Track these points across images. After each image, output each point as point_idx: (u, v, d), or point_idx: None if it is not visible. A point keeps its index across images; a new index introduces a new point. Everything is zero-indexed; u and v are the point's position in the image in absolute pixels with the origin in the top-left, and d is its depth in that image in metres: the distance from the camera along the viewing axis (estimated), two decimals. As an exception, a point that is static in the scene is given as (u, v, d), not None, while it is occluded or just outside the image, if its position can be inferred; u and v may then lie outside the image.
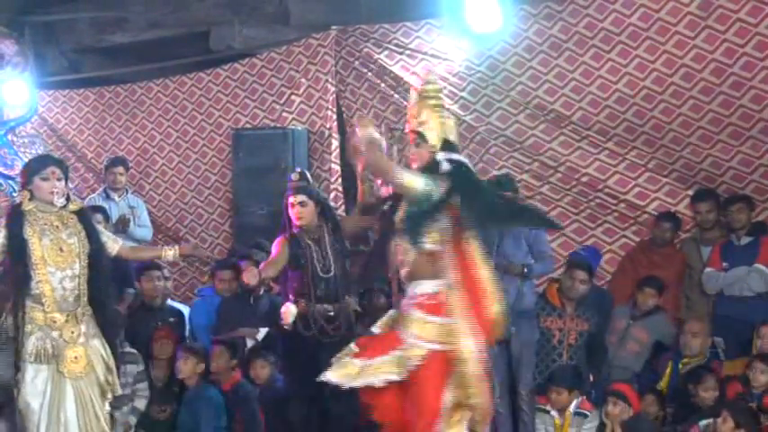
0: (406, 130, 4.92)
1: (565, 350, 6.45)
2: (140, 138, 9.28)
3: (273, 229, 6.40)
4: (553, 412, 6.19)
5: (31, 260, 5.06)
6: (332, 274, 5.93)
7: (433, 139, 4.79)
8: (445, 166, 4.75)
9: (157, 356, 6.80)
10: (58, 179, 5.17)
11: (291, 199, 5.98)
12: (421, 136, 4.79)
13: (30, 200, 5.17)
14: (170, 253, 5.50)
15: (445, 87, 7.87)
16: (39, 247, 5.07)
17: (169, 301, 7.53)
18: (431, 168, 4.76)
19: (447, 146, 4.82)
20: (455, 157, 4.82)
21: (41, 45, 9.56)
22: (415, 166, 4.85)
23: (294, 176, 6.10)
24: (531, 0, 7.57)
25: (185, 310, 7.55)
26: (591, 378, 6.49)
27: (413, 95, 4.91)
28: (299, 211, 5.95)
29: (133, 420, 6.59)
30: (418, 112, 4.82)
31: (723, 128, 7.05)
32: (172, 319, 7.25)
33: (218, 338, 6.69)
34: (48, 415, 5.06)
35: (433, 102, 4.83)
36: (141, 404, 6.66)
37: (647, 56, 7.17)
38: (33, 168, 5.25)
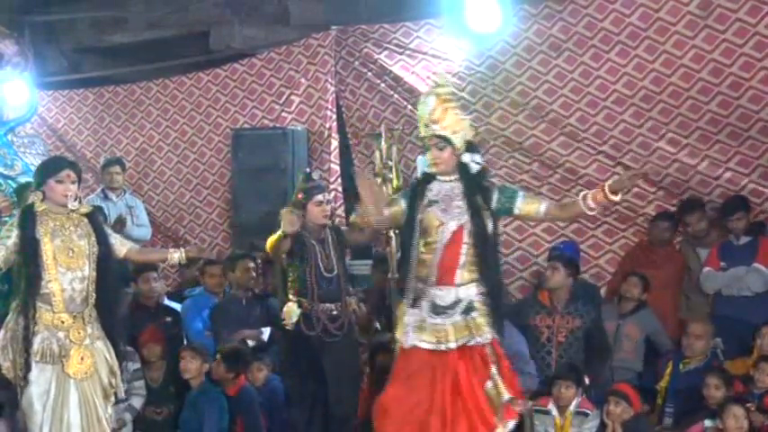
0: (424, 135, 4.88)
1: (554, 348, 6.45)
2: (139, 138, 9.29)
3: (273, 229, 6.40)
4: (554, 412, 6.17)
5: (42, 260, 5.06)
6: (335, 273, 5.95)
7: (458, 141, 4.82)
8: (474, 168, 4.80)
9: (147, 359, 6.81)
10: (72, 182, 5.18)
11: (320, 197, 6.01)
12: (446, 140, 4.80)
13: (42, 200, 5.17)
14: (176, 256, 5.50)
15: (444, 88, 7.92)
16: (50, 247, 5.07)
17: (166, 301, 7.54)
18: (459, 170, 4.80)
19: (470, 147, 4.88)
20: (480, 160, 4.89)
21: (41, 45, 9.53)
22: (438, 169, 4.87)
23: (316, 176, 6.17)
24: (530, 0, 7.59)
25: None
26: (587, 380, 6.44)
27: (429, 100, 4.88)
28: (326, 209, 6.02)
29: (129, 418, 6.61)
30: (441, 116, 4.80)
31: (721, 128, 7.07)
32: (168, 319, 7.26)
33: (222, 348, 6.63)
34: (50, 416, 5.05)
35: (452, 104, 4.85)
36: (137, 402, 6.68)
37: (646, 56, 7.20)
38: (48, 170, 5.25)
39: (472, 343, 4.78)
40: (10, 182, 8.49)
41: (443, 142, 4.80)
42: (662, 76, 7.15)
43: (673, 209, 7.29)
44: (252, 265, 7.07)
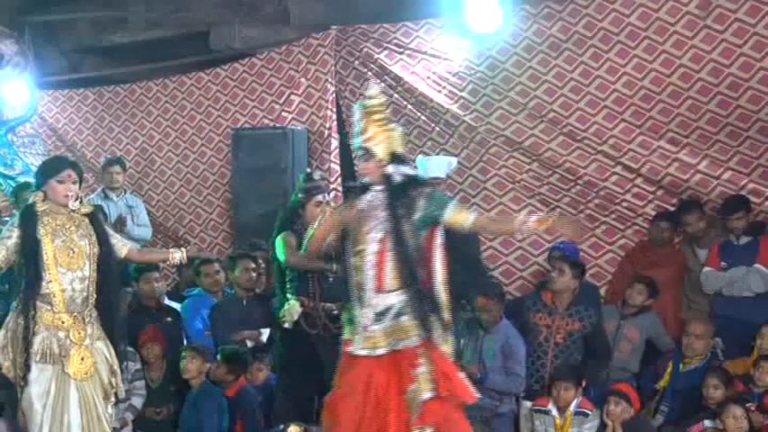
0: (354, 146, 5.01)
1: (550, 349, 6.44)
2: (139, 137, 9.29)
3: (272, 228, 6.41)
4: (554, 412, 6.18)
5: (43, 260, 5.06)
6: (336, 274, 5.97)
7: (381, 152, 4.88)
8: (397, 179, 4.89)
9: (146, 359, 6.82)
10: (74, 182, 5.17)
11: (320, 197, 6.05)
12: (368, 151, 4.90)
13: (43, 200, 5.17)
14: (177, 256, 5.50)
15: (445, 87, 7.93)
16: (50, 247, 5.07)
17: (166, 301, 7.55)
18: (383, 181, 4.90)
19: (395, 158, 4.93)
20: (407, 171, 4.95)
21: (41, 45, 9.54)
22: (365, 179, 4.98)
23: (316, 176, 6.17)
24: (530, 0, 7.60)
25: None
26: (584, 383, 6.42)
27: (356, 113, 4.97)
28: (327, 209, 6.01)
29: (129, 417, 6.63)
30: (364, 128, 4.90)
31: (721, 128, 7.07)
32: (169, 319, 7.26)
33: (223, 347, 6.65)
34: (51, 416, 5.05)
35: (377, 116, 4.92)
36: (138, 402, 6.69)
37: (645, 56, 7.22)
38: (49, 170, 5.24)
39: (400, 346, 4.85)
40: (10, 181, 8.52)
41: (367, 154, 4.92)
42: (661, 76, 7.17)
43: (672, 209, 7.29)
44: (252, 265, 7.07)
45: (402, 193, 4.89)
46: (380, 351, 4.83)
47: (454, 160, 7.31)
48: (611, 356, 6.68)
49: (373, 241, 4.85)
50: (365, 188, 4.98)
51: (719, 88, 7.00)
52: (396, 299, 4.84)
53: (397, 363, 4.83)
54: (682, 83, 7.11)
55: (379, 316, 4.83)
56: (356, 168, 8.18)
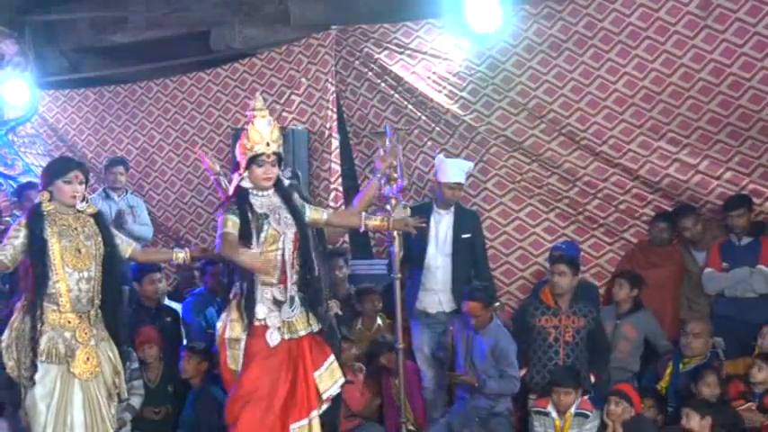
0: (262, 152, 5.15)
1: (561, 348, 6.46)
2: (140, 137, 9.29)
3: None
4: (553, 413, 6.18)
5: (50, 260, 5.07)
6: (315, 275, 5.96)
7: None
8: (287, 182, 5.35)
9: (144, 359, 6.82)
10: (80, 183, 5.18)
11: None
12: (280, 156, 5.24)
13: (49, 201, 5.18)
14: (180, 255, 5.52)
15: (445, 87, 7.93)
16: (58, 247, 5.08)
17: (166, 301, 7.55)
18: (278, 185, 5.28)
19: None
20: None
21: (41, 45, 9.57)
22: (269, 183, 5.23)
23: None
24: (530, 0, 7.61)
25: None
26: (592, 379, 6.47)
27: (268, 121, 5.18)
28: None
29: (128, 417, 6.63)
30: (278, 137, 5.20)
31: (722, 128, 7.08)
32: (168, 319, 7.28)
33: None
34: (55, 416, 5.06)
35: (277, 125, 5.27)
36: (136, 402, 6.69)
37: (646, 56, 7.22)
38: (56, 171, 5.24)
39: (316, 331, 5.35)
40: (10, 181, 8.52)
41: (277, 159, 5.23)
42: (662, 75, 7.17)
43: (671, 209, 7.29)
44: None
45: (291, 194, 5.30)
46: (300, 333, 5.24)
47: (471, 164, 7.22)
48: (611, 350, 6.69)
49: (288, 240, 5.19)
50: (245, 195, 5.21)
51: (720, 88, 7.00)
52: (296, 291, 5.25)
53: (311, 345, 5.28)
54: (682, 83, 7.11)
55: (284, 304, 5.20)
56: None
